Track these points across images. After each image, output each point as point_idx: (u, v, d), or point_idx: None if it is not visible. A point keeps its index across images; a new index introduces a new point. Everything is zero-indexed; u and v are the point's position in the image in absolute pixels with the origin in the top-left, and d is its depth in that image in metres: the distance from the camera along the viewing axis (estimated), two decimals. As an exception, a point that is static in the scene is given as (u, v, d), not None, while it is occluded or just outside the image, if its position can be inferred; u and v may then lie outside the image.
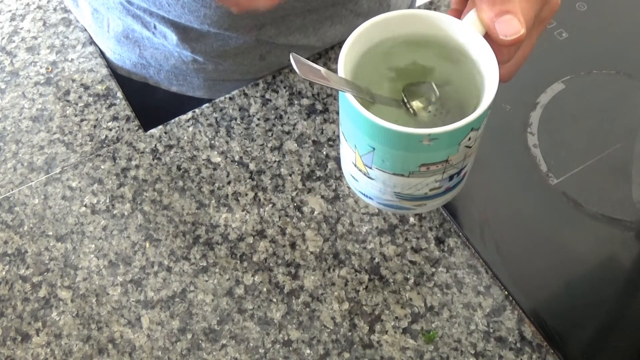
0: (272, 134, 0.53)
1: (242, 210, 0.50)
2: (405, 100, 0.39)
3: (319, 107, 0.54)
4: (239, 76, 0.59)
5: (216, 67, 0.58)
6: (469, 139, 0.36)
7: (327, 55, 0.58)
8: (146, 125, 0.55)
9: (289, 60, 0.57)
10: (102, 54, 0.60)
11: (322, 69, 0.36)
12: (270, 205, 0.50)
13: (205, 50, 0.56)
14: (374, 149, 0.37)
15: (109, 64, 0.60)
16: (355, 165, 0.40)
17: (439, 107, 0.39)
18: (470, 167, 0.41)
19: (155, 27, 0.56)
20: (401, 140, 0.35)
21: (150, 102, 0.60)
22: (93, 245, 0.48)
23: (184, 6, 0.51)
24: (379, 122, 0.34)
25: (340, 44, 0.58)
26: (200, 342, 0.45)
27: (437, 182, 0.39)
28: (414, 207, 0.42)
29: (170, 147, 0.53)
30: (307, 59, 0.57)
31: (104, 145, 0.53)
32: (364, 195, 0.43)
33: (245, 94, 0.55)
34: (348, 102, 0.36)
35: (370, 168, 0.39)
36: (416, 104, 0.39)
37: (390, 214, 0.49)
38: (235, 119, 0.54)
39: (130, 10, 0.55)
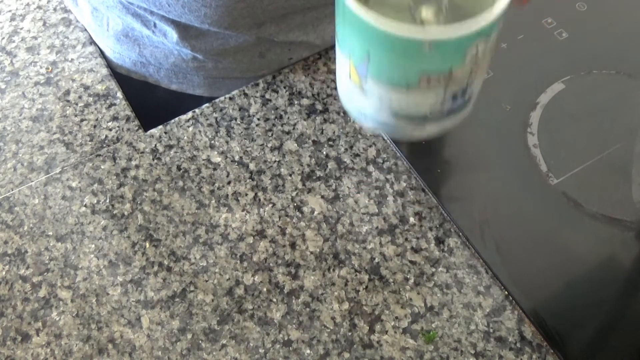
0: (272, 134, 0.53)
1: (242, 210, 0.50)
2: (412, 7, 0.36)
3: (319, 107, 0.54)
4: (239, 74, 0.59)
5: (216, 64, 0.58)
6: (476, 49, 0.33)
7: (327, 55, 0.58)
8: (146, 125, 0.55)
9: (289, 58, 0.58)
10: (102, 54, 0.60)
11: None
12: (270, 205, 0.50)
13: (205, 49, 0.56)
14: (369, 55, 0.34)
15: (109, 63, 0.60)
16: (350, 78, 0.37)
17: (449, 16, 0.36)
18: (478, 91, 0.38)
19: (155, 25, 0.56)
20: (400, 46, 0.32)
21: (150, 102, 0.60)
22: (93, 245, 0.48)
23: (184, 6, 0.51)
24: (375, 24, 0.32)
25: None
26: (200, 342, 0.45)
27: (439, 101, 0.36)
28: (412, 128, 0.39)
29: (170, 147, 0.53)
30: (307, 57, 0.58)
31: (104, 145, 0.53)
32: (359, 113, 0.40)
33: (245, 94, 0.56)
34: (343, 1, 0.33)
35: (365, 79, 0.36)
36: (425, 12, 0.36)
37: (390, 213, 0.49)
38: (235, 119, 0.54)
39: (130, 8, 0.55)
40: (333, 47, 0.58)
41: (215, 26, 0.53)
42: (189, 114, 0.54)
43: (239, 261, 0.47)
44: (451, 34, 0.31)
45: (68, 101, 0.56)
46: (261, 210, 0.50)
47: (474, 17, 0.31)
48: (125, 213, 0.50)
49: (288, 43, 0.57)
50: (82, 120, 0.55)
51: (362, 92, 0.37)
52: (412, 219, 0.49)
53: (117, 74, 0.60)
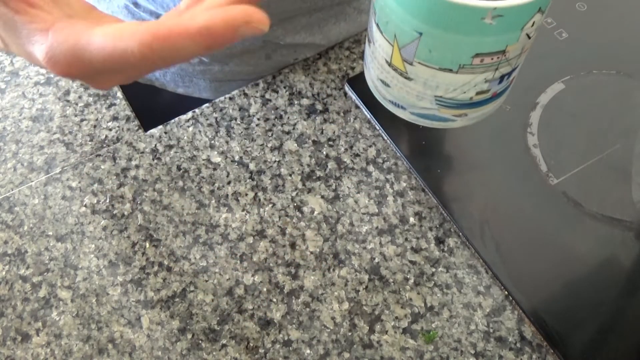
0: (272, 134, 0.53)
1: (242, 210, 0.50)
2: None
3: (319, 107, 0.54)
4: (245, 76, 0.59)
5: (222, 68, 0.58)
6: (533, 23, 0.32)
7: (327, 55, 0.58)
8: (146, 125, 0.55)
9: (294, 58, 0.58)
10: None
11: None
12: (270, 205, 0.50)
13: (211, 52, 0.56)
14: (420, 34, 0.32)
15: None
16: (389, 64, 0.35)
17: None
18: (518, 73, 0.37)
19: None
20: (458, 18, 0.31)
21: (154, 103, 0.61)
22: (93, 245, 0.48)
23: None
24: None
25: (343, 42, 0.58)
26: (200, 342, 0.45)
27: (487, 82, 0.35)
28: (453, 117, 0.37)
29: (170, 147, 0.53)
30: (308, 57, 0.58)
31: (104, 145, 0.53)
32: (395, 104, 0.38)
33: (245, 94, 0.55)
34: None
35: (411, 64, 0.34)
36: None
37: (390, 213, 0.49)
38: (235, 119, 0.54)
39: (135, 13, 0.55)
40: (334, 46, 0.58)
41: None
42: (189, 114, 0.54)
43: (239, 261, 0.47)
44: (514, 3, 0.30)
45: (68, 101, 0.56)
46: (261, 210, 0.50)
47: None
48: (125, 213, 0.50)
49: (294, 45, 0.57)
50: (82, 120, 0.55)
51: (403, 78, 0.35)
52: (412, 219, 0.49)
53: None
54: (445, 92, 0.35)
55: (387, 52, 0.35)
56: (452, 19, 0.31)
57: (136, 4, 0.54)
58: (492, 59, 0.33)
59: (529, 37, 0.33)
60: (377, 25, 0.35)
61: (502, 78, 0.35)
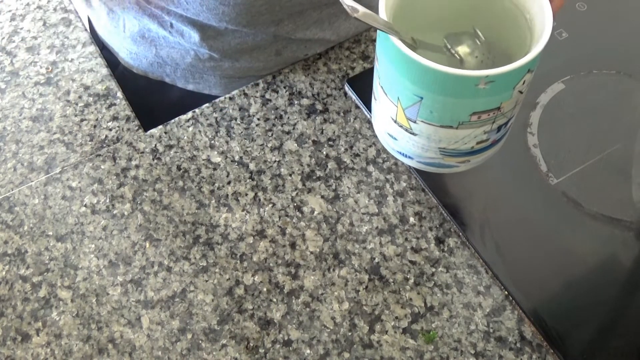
0: (272, 134, 0.53)
1: (242, 210, 0.50)
2: (449, 46, 0.37)
3: (319, 107, 0.54)
4: (255, 72, 0.59)
5: (232, 64, 0.58)
6: (524, 82, 0.34)
7: (327, 55, 0.58)
8: (146, 125, 0.55)
9: (304, 54, 0.58)
10: (100, 52, 0.60)
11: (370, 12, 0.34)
12: (270, 205, 0.50)
13: (222, 48, 0.56)
14: (421, 98, 0.34)
15: (125, 63, 0.60)
16: (395, 122, 0.38)
17: (485, 52, 0.37)
18: (514, 120, 0.39)
19: (172, 25, 0.56)
20: (455, 85, 0.33)
21: (158, 102, 0.61)
22: (93, 245, 0.48)
23: (202, 4, 0.51)
24: (432, 66, 0.32)
25: (352, 38, 0.58)
26: (200, 342, 0.45)
27: (485, 133, 0.37)
28: (457, 164, 0.40)
29: (170, 147, 0.53)
30: (308, 57, 0.58)
31: (104, 145, 0.53)
32: (403, 154, 0.40)
33: (245, 94, 0.55)
34: (395, 47, 0.33)
35: (415, 122, 0.36)
36: (462, 50, 0.37)
37: (390, 213, 0.49)
38: (235, 119, 0.54)
39: (146, 9, 0.55)
40: (334, 46, 0.58)
41: (234, 24, 0.53)
42: (189, 114, 0.54)
43: (239, 261, 0.47)
44: (505, 69, 0.32)
45: (68, 101, 0.56)
46: (261, 210, 0.50)
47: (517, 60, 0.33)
48: (125, 213, 0.50)
49: (304, 40, 0.57)
50: (82, 120, 0.55)
51: (409, 134, 0.38)
52: (412, 219, 0.49)
53: (122, 72, 0.60)
54: (448, 144, 0.38)
55: (392, 111, 0.37)
56: (448, 86, 0.33)
57: (148, 0, 0.54)
58: (488, 115, 0.35)
59: (522, 93, 0.35)
60: (382, 87, 0.37)
61: (499, 128, 0.37)
